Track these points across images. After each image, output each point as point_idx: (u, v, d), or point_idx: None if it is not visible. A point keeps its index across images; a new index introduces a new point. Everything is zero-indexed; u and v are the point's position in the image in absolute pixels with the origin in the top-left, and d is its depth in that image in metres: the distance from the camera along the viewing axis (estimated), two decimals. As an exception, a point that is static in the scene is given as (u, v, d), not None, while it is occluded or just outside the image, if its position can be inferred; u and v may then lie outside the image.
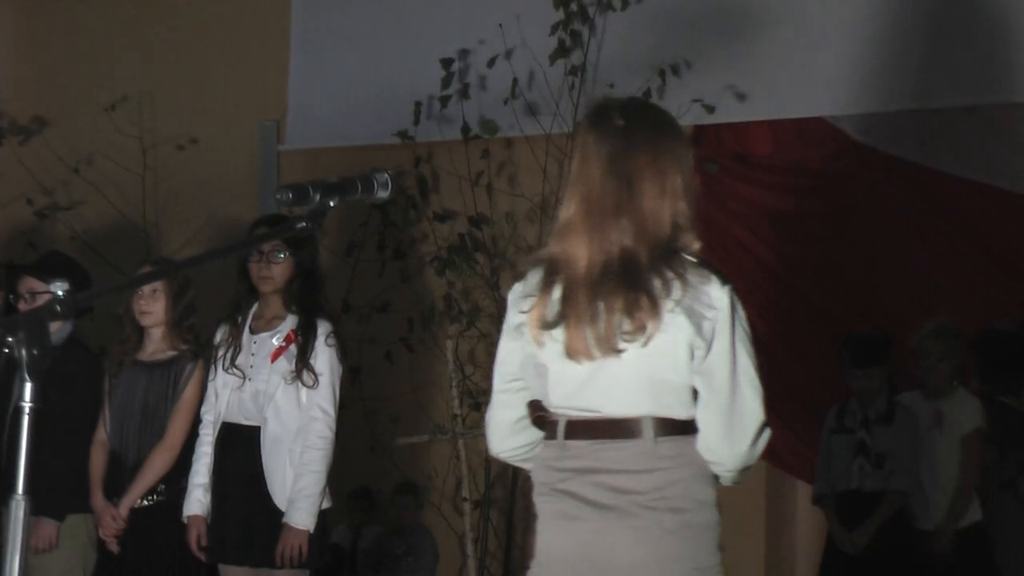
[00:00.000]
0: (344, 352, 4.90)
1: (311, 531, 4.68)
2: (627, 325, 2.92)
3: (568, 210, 3.02)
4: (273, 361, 4.77)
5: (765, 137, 7.60)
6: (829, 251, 7.31)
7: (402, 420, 7.96)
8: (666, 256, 2.95)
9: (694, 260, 3.01)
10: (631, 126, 3.01)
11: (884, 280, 7.15)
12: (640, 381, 2.97)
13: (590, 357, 2.95)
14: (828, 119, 7.35)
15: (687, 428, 3.01)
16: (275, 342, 4.79)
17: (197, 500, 4.84)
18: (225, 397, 4.83)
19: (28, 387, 2.05)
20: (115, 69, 8.93)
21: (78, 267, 5.56)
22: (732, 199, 7.48)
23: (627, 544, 2.96)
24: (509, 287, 8.37)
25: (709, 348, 2.95)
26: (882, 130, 7.24)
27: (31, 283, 5.34)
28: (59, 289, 5.28)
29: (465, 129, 7.59)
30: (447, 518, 7.67)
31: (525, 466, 3.30)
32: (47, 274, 5.30)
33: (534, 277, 3.08)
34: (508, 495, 7.69)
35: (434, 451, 7.63)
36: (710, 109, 7.17)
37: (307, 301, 4.81)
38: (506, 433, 3.23)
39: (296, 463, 4.70)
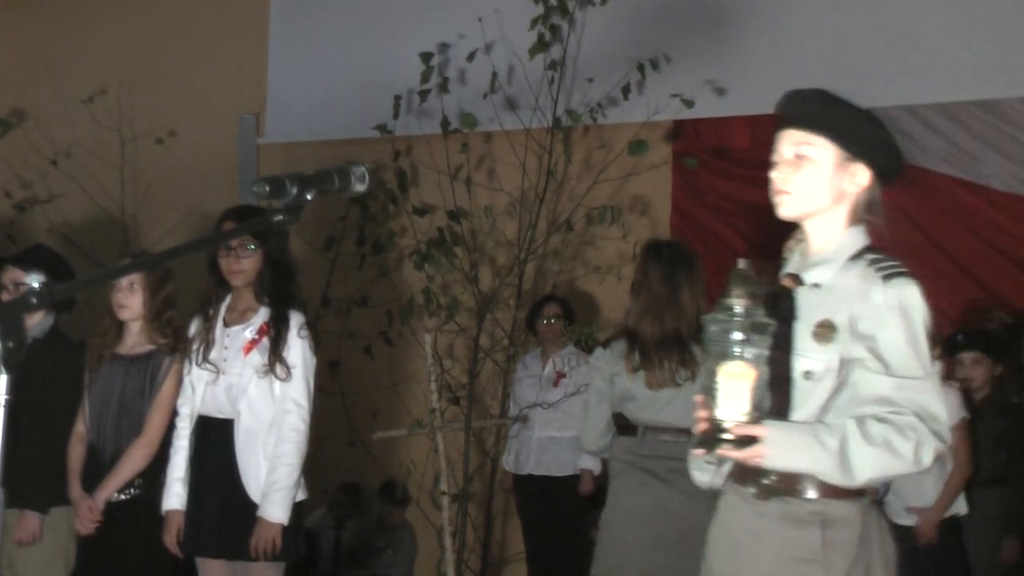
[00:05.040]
0: (317, 344, 4.87)
1: (285, 524, 4.66)
2: (683, 372, 4.86)
3: (638, 304, 4.92)
4: (246, 354, 4.74)
5: (744, 132, 7.62)
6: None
7: (381, 414, 7.96)
8: (695, 333, 4.66)
9: None
10: (673, 256, 4.94)
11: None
12: (691, 403, 4.58)
13: (661, 388, 4.87)
14: (806, 114, 7.36)
15: None
16: (248, 335, 4.76)
17: (176, 495, 4.81)
18: (200, 391, 4.81)
19: (3, 380, 2.04)
20: (94, 61, 8.91)
21: (62, 261, 5.54)
22: (710, 193, 7.50)
23: (684, 501, 4.72)
24: (490, 282, 8.44)
25: None
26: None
27: (15, 274, 5.32)
28: (35, 281, 5.28)
29: (444, 123, 7.58)
30: (425, 512, 7.68)
31: (605, 455, 5.22)
32: (31, 266, 5.29)
33: (619, 346, 4.97)
34: (486, 489, 7.70)
35: (413, 445, 7.63)
36: (689, 104, 7.18)
37: (278, 293, 4.77)
38: (602, 433, 5.03)
39: (270, 456, 4.68)
